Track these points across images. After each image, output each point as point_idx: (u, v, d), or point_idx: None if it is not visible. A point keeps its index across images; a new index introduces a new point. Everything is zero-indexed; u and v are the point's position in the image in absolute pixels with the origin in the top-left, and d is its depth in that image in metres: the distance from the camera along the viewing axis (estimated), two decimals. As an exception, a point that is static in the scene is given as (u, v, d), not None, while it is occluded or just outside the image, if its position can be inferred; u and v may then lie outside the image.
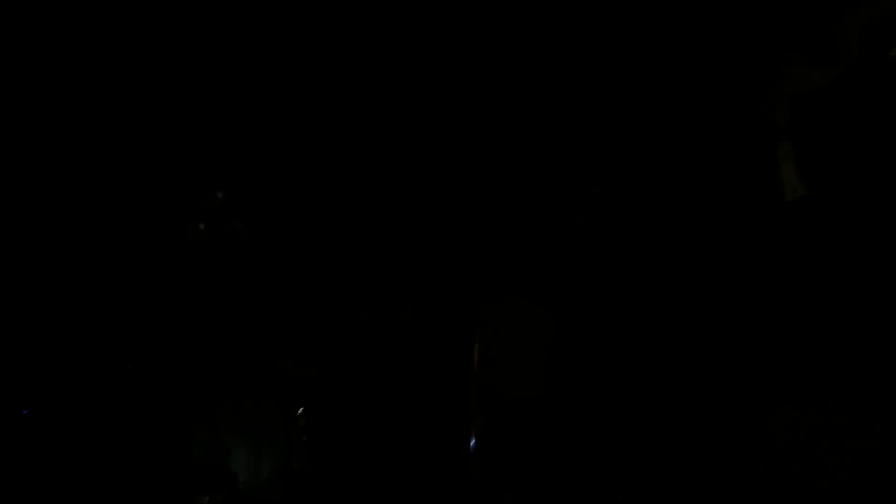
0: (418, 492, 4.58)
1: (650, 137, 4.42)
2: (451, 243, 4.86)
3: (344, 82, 4.64)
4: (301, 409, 4.81)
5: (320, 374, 4.81)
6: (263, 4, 4.31)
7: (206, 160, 4.91)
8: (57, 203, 4.70)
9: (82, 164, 4.72)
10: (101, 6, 4.20)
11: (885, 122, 3.31)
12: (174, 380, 4.74)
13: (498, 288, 4.75)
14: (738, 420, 3.90)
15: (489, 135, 4.77)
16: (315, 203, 4.99)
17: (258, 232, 4.95)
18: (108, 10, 4.21)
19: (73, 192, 4.74)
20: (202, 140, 4.89)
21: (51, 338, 4.56)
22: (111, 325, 4.68)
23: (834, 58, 3.60)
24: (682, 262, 4.30)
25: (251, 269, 4.95)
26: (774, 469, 3.69)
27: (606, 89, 4.47)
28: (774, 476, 3.68)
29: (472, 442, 4.53)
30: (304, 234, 5.04)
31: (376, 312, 4.87)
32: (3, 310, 4.54)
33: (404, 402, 4.79)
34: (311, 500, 4.67)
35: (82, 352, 4.58)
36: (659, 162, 4.41)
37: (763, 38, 3.91)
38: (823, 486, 3.39)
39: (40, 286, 4.66)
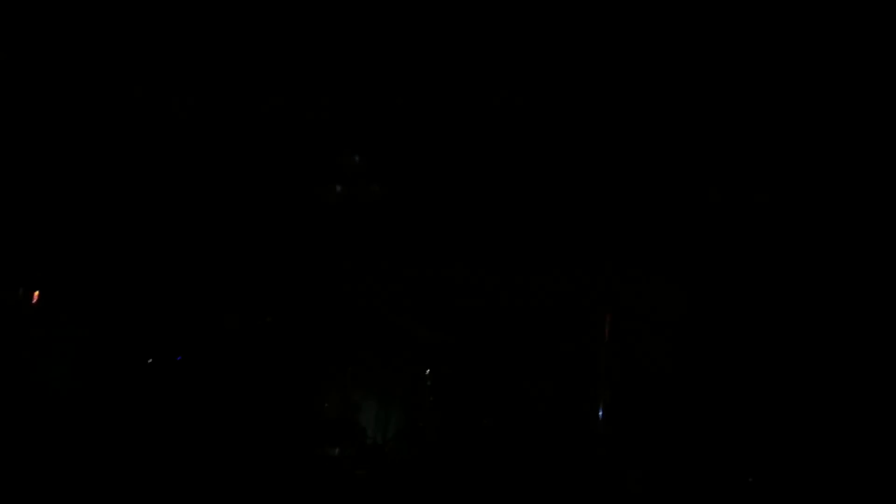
0: (542, 461, 4.62)
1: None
2: (587, 217, 4.85)
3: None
4: (428, 371, 4.92)
5: (452, 339, 4.90)
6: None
7: (344, 123, 5.02)
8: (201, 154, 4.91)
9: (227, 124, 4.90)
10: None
11: None
12: (312, 338, 4.92)
13: (633, 263, 4.73)
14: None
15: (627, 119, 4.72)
16: (449, 169, 5.05)
17: (395, 195, 5.05)
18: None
19: (216, 150, 4.93)
20: (341, 104, 4.99)
21: (198, 291, 4.79)
22: (253, 280, 4.88)
23: None
24: (821, 245, 4.19)
25: (390, 233, 5.07)
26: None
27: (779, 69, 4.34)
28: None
29: (601, 415, 4.54)
30: (443, 201, 5.11)
31: (509, 283, 4.91)
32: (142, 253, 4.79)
33: (533, 371, 4.83)
34: (434, 456, 4.77)
35: (229, 303, 4.80)
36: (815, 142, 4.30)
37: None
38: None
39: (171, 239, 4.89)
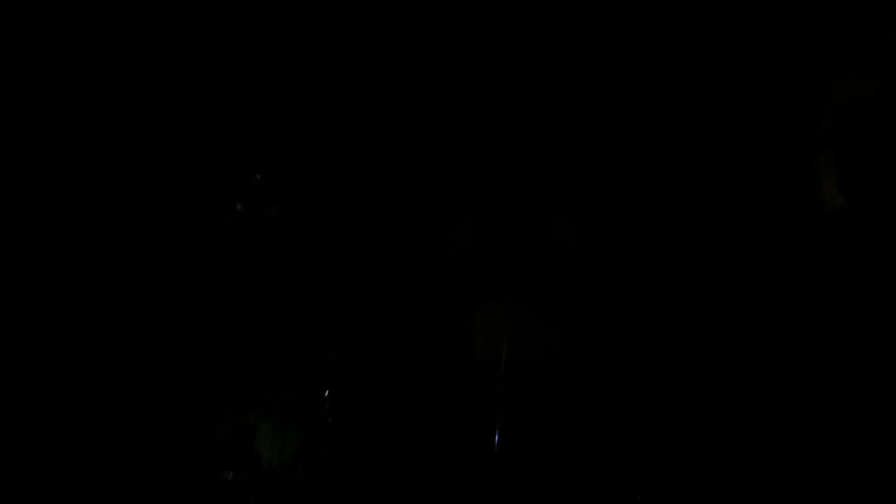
0: (440, 482, 4.62)
1: (686, 141, 4.42)
2: (474, 239, 4.89)
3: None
4: (326, 393, 4.86)
5: (346, 361, 4.86)
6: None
7: (246, 144, 4.98)
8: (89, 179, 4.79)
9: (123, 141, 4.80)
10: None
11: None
12: (202, 360, 4.81)
13: (520, 284, 4.77)
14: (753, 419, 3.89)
15: (509, 131, 4.79)
16: (346, 192, 5.04)
17: (293, 217, 5.00)
18: None
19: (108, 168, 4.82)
20: (242, 125, 4.95)
21: (78, 311, 4.65)
22: (140, 302, 4.76)
23: (881, 68, 3.58)
24: (709, 265, 4.29)
25: (283, 254, 5.02)
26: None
27: (641, 91, 4.47)
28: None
29: (496, 437, 4.56)
30: (334, 223, 5.09)
31: (403, 302, 4.91)
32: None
33: (429, 392, 4.82)
34: (332, 481, 4.72)
35: (110, 327, 4.66)
36: (693, 166, 4.40)
37: (811, 48, 3.89)
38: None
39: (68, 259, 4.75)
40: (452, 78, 4.74)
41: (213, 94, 4.82)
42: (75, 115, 4.67)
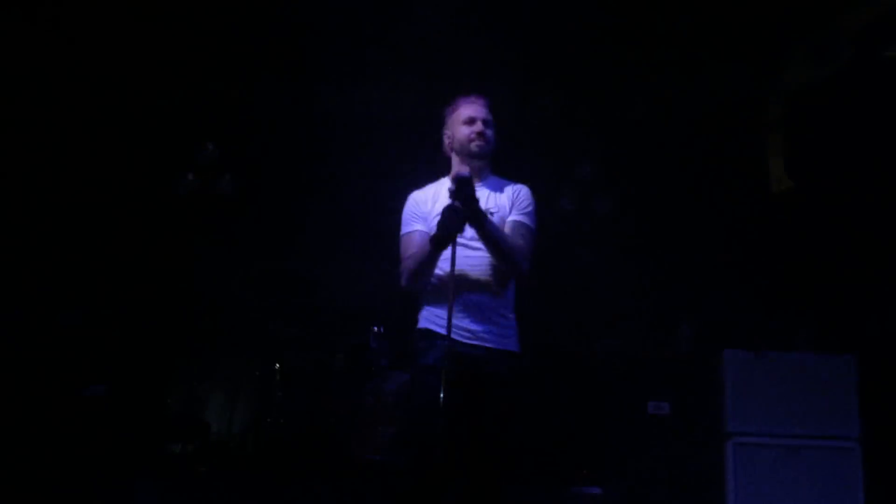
0: (384, 451, 4.59)
1: (639, 128, 4.46)
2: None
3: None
4: (277, 365, 4.80)
5: (300, 334, 4.80)
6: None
7: (199, 114, 4.89)
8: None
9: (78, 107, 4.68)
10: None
11: (878, 119, 3.41)
12: (154, 331, 4.74)
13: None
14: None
15: None
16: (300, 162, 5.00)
17: (247, 187, 4.94)
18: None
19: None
20: (196, 95, 4.86)
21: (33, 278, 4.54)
22: (94, 272, 4.67)
23: (830, 56, 3.68)
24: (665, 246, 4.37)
25: (240, 226, 4.97)
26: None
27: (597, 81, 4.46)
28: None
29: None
30: (288, 193, 5.05)
31: (359, 280, 4.89)
32: None
33: (378, 366, 4.79)
34: (280, 452, 4.67)
35: (66, 293, 4.56)
36: (646, 153, 4.46)
37: (762, 34, 3.96)
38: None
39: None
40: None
41: (165, 63, 4.69)
42: (29, 87, 4.53)
